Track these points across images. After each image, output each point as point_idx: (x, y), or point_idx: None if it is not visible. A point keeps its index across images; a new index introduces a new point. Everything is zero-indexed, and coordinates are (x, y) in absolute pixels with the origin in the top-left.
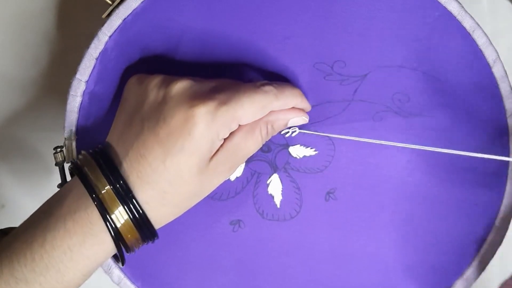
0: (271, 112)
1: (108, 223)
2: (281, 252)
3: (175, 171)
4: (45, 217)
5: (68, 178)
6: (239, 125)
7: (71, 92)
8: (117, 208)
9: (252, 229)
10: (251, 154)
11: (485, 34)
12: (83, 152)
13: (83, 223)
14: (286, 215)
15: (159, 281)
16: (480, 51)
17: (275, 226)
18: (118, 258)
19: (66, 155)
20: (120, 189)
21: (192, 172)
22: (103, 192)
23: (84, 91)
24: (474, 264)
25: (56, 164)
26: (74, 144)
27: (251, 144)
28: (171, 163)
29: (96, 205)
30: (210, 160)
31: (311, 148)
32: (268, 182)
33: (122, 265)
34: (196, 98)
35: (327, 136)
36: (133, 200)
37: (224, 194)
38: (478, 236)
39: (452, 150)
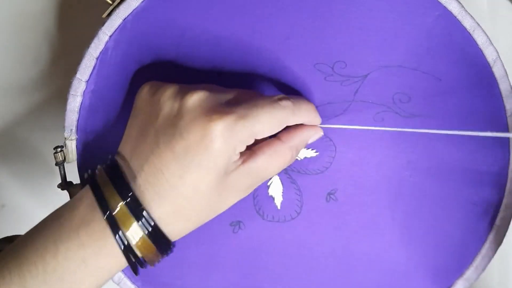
0: (294, 135)
1: (118, 241)
2: (281, 253)
3: (192, 187)
4: (57, 227)
5: (68, 178)
6: (262, 143)
7: (71, 92)
8: (131, 224)
9: (252, 230)
10: (271, 176)
11: (485, 33)
12: (99, 167)
13: (98, 235)
14: (287, 216)
15: (159, 281)
16: (480, 50)
17: (275, 227)
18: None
19: (66, 155)
20: (133, 205)
21: (209, 187)
22: (117, 209)
23: (84, 91)
24: (474, 264)
25: (56, 164)
26: (74, 144)
27: (275, 168)
28: (188, 179)
29: (108, 223)
30: (228, 176)
31: (311, 150)
32: (268, 183)
33: (136, 275)
34: (213, 111)
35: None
36: (147, 215)
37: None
38: (478, 236)
39: (437, 130)
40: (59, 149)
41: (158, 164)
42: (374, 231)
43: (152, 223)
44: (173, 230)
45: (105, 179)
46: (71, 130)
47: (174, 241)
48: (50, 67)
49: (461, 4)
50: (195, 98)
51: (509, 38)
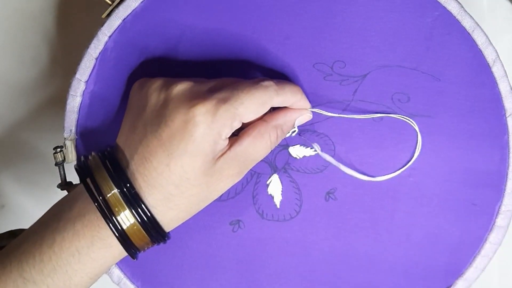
0: (278, 114)
1: (111, 224)
2: (281, 252)
3: (180, 174)
4: (55, 219)
5: (68, 178)
6: (247, 126)
7: (71, 92)
8: (123, 211)
9: (252, 229)
10: (260, 159)
11: (485, 33)
12: (93, 153)
13: (92, 226)
14: (286, 215)
15: (159, 281)
16: (480, 50)
17: (275, 226)
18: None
19: (66, 155)
20: (127, 192)
21: (197, 174)
22: (109, 195)
23: (84, 91)
24: (474, 264)
25: (56, 164)
26: (74, 144)
27: (261, 149)
28: (175, 166)
29: (97, 207)
30: (216, 162)
31: (311, 149)
32: (268, 182)
33: (134, 259)
34: (195, 98)
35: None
36: (141, 203)
37: (224, 195)
38: (478, 236)
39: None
40: (59, 149)
41: (146, 153)
42: (374, 230)
43: (146, 210)
44: (165, 219)
45: (100, 167)
46: (71, 130)
47: (169, 233)
48: (50, 67)
49: (460, 4)
50: (179, 88)
51: (508, 38)
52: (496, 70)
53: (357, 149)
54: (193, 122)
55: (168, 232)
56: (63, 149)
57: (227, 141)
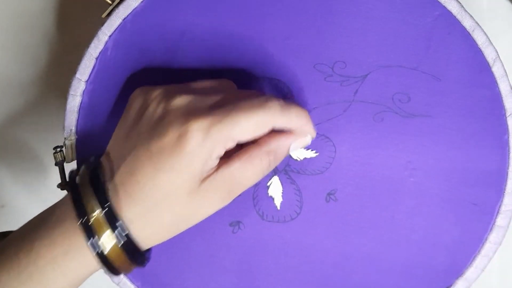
0: (271, 138)
1: (90, 247)
2: (281, 254)
3: (163, 190)
4: (37, 225)
5: (68, 178)
6: (241, 147)
7: (71, 92)
8: (105, 232)
9: (252, 231)
10: (250, 185)
11: (485, 33)
12: (83, 168)
13: (69, 234)
14: (287, 217)
15: (159, 281)
16: (480, 50)
17: (275, 228)
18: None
19: (66, 155)
20: (109, 213)
21: (180, 192)
22: (93, 216)
23: (84, 91)
24: (474, 264)
25: (56, 164)
26: (74, 144)
27: (250, 175)
28: (160, 181)
29: (83, 228)
30: (202, 183)
31: (311, 150)
32: (268, 184)
33: (116, 275)
34: (192, 114)
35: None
36: (121, 224)
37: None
38: (478, 236)
39: None
40: (59, 149)
41: (133, 164)
42: (374, 231)
43: (126, 233)
44: (143, 236)
45: (86, 182)
46: (71, 130)
47: (149, 254)
48: (50, 67)
49: (460, 4)
50: (178, 102)
51: (508, 38)
52: (496, 70)
53: (358, 150)
54: (185, 139)
55: (148, 254)
56: (63, 149)
57: (217, 161)
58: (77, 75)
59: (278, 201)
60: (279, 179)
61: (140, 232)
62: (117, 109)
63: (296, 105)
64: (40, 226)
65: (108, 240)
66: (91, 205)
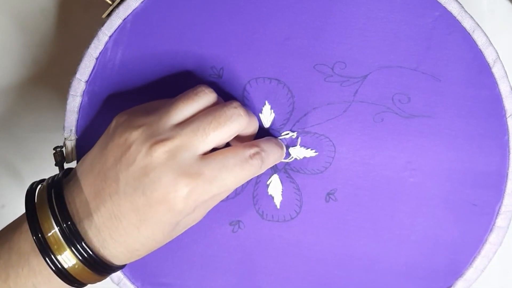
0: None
1: (50, 264)
2: (281, 253)
3: (148, 236)
4: (6, 251)
5: None
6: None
7: (71, 92)
8: (65, 251)
9: (252, 230)
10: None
11: (485, 34)
12: (43, 184)
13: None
14: (286, 216)
15: (159, 281)
16: (480, 51)
17: (275, 227)
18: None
19: (66, 155)
20: (69, 233)
21: (165, 234)
22: (49, 234)
23: (84, 91)
24: (474, 264)
25: (56, 164)
26: (74, 144)
27: (233, 183)
28: (145, 230)
29: (37, 246)
30: (184, 218)
31: (311, 149)
32: (268, 183)
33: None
34: (180, 174)
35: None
36: (83, 244)
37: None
38: (478, 236)
39: None
40: (59, 149)
41: (116, 211)
42: (374, 231)
43: (89, 252)
44: (122, 262)
45: (44, 201)
46: (71, 130)
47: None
48: (50, 67)
49: (460, 4)
50: (162, 152)
51: (509, 38)
52: (497, 71)
53: (358, 150)
54: (174, 201)
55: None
56: (63, 149)
57: None
58: (77, 75)
59: (278, 200)
60: (279, 178)
61: (120, 259)
62: (117, 109)
63: (276, 149)
64: (10, 253)
65: (68, 259)
66: (48, 225)
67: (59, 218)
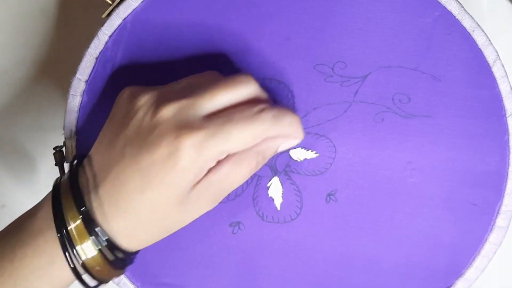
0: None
1: (68, 258)
2: (281, 254)
3: (154, 202)
4: (17, 232)
5: None
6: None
7: (71, 92)
8: (86, 240)
9: (252, 231)
10: (237, 186)
11: (485, 34)
12: (64, 177)
13: (53, 242)
14: (287, 217)
15: (158, 281)
16: (480, 51)
17: (275, 228)
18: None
19: (66, 155)
20: (87, 221)
21: (170, 204)
22: (73, 225)
23: (84, 91)
24: (474, 264)
25: (56, 164)
26: (74, 144)
27: (238, 177)
28: (151, 194)
29: (59, 238)
30: (191, 191)
31: (311, 151)
32: (268, 185)
33: None
34: (183, 128)
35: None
36: (101, 232)
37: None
38: (478, 236)
39: None
40: (59, 149)
41: (121, 176)
42: (374, 231)
43: (106, 241)
44: (130, 244)
45: (67, 191)
46: (71, 130)
47: (133, 257)
48: (50, 67)
49: (460, 4)
50: (167, 111)
51: (509, 38)
52: (496, 70)
53: (358, 150)
54: (178, 155)
55: (133, 258)
56: (63, 149)
57: (206, 171)
58: (77, 75)
59: (278, 201)
60: (279, 179)
61: (127, 243)
62: None
63: (288, 112)
64: (20, 233)
65: (88, 250)
66: (71, 214)
67: (77, 205)
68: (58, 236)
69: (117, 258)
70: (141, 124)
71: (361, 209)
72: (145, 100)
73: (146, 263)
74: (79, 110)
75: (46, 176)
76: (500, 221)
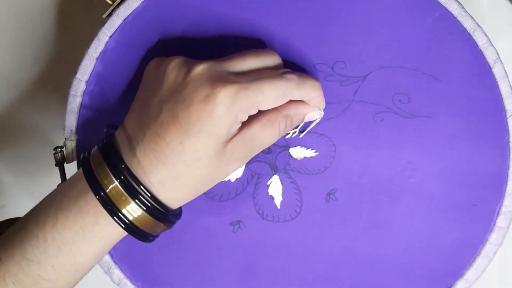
0: (290, 105)
1: (116, 219)
2: (281, 253)
3: (192, 153)
4: (58, 199)
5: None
6: (259, 113)
7: (71, 92)
8: (129, 203)
9: (252, 230)
10: (267, 146)
11: (486, 34)
12: (95, 148)
13: (95, 203)
14: (287, 216)
15: (159, 282)
16: (480, 51)
17: (275, 227)
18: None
19: (66, 155)
20: (128, 183)
21: (209, 154)
22: (110, 188)
23: (84, 91)
24: (474, 265)
25: (56, 165)
26: (74, 144)
27: (268, 136)
28: (189, 144)
29: (101, 204)
30: (227, 144)
31: (311, 149)
32: (268, 183)
33: (149, 241)
34: (218, 80)
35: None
36: (144, 191)
37: (224, 195)
38: (478, 236)
39: None
40: (59, 149)
41: (159, 129)
42: (374, 231)
43: (150, 199)
44: (171, 197)
45: (99, 160)
46: (71, 130)
47: (181, 213)
48: (50, 67)
49: (461, 4)
50: (201, 68)
51: (509, 38)
52: (497, 71)
53: (358, 150)
54: (214, 103)
55: (180, 212)
56: (63, 149)
57: (240, 125)
58: (78, 75)
59: (278, 200)
60: (279, 178)
61: (169, 194)
62: (117, 109)
63: (310, 77)
64: (61, 199)
65: (133, 209)
66: (107, 181)
67: (115, 169)
68: (99, 200)
69: (161, 214)
70: (175, 82)
71: (361, 209)
72: (175, 63)
73: (146, 263)
74: (79, 110)
75: (46, 176)
76: (501, 221)
